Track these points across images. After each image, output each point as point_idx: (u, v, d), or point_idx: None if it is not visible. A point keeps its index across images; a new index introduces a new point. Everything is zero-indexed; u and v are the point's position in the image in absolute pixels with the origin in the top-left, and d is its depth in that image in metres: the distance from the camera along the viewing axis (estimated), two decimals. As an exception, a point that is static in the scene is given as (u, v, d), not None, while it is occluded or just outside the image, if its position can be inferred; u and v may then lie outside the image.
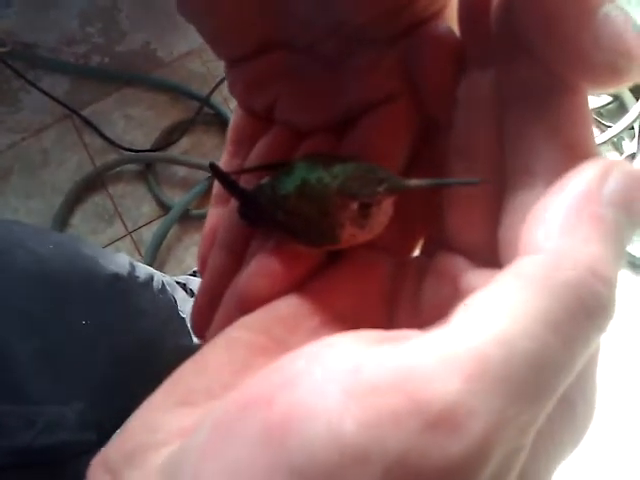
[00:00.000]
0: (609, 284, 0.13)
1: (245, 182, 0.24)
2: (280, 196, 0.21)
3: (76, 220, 1.07)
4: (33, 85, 1.11)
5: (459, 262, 0.19)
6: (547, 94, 0.17)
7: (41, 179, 1.09)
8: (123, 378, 0.62)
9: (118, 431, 0.18)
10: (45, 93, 1.11)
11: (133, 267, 0.68)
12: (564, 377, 0.13)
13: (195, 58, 1.15)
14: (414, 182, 0.19)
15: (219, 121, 1.11)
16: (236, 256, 0.24)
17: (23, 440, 0.49)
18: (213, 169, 0.23)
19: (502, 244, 0.17)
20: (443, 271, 0.20)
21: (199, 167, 1.08)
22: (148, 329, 0.68)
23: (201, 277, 0.25)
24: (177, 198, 1.06)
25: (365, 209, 0.19)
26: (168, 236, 1.05)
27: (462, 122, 0.20)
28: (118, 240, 1.06)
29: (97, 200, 1.08)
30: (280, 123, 0.24)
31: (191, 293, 0.87)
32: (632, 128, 1.05)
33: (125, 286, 0.64)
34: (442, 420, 0.12)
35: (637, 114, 1.02)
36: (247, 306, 0.20)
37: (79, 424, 0.54)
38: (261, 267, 0.21)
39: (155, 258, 1.04)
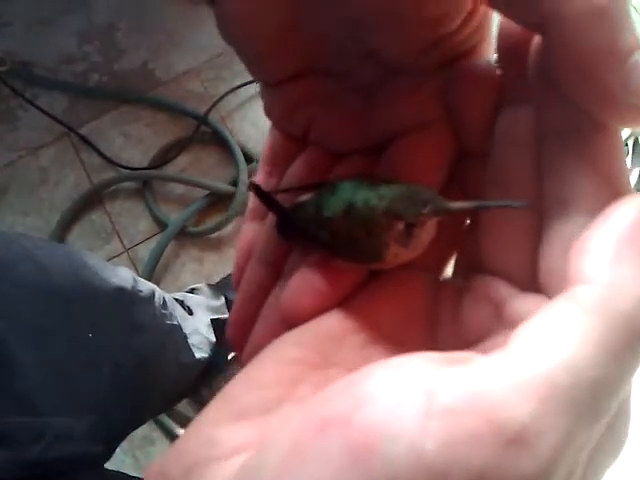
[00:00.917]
0: None
1: (281, 200, 0.24)
2: (325, 216, 0.21)
3: (73, 237, 1.07)
4: (31, 103, 1.12)
5: (498, 285, 0.20)
6: (583, 131, 0.18)
7: (38, 197, 1.09)
8: (127, 391, 0.63)
9: (172, 445, 0.18)
10: (43, 111, 1.11)
11: (136, 281, 0.68)
12: (617, 399, 0.15)
13: (193, 77, 1.16)
14: (458, 205, 0.20)
15: (216, 139, 1.12)
16: (274, 270, 0.24)
17: (33, 453, 0.49)
18: (253, 187, 0.23)
19: (543, 271, 0.18)
20: (482, 292, 0.20)
21: (196, 185, 1.08)
22: (151, 343, 0.68)
23: (236, 290, 0.26)
24: (174, 215, 1.06)
25: (410, 229, 0.20)
26: (165, 253, 1.05)
27: (499, 155, 0.21)
28: (115, 257, 1.05)
29: (94, 217, 1.08)
30: (315, 145, 0.25)
31: (189, 310, 0.87)
32: (626, 145, 1.06)
33: (129, 300, 0.65)
34: (517, 439, 0.13)
35: (631, 131, 1.03)
36: (292, 321, 0.21)
37: (87, 436, 0.55)
38: (305, 282, 0.21)
39: (152, 275, 1.03)
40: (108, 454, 0.60)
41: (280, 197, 0.24)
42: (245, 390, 0.19)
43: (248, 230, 0.27)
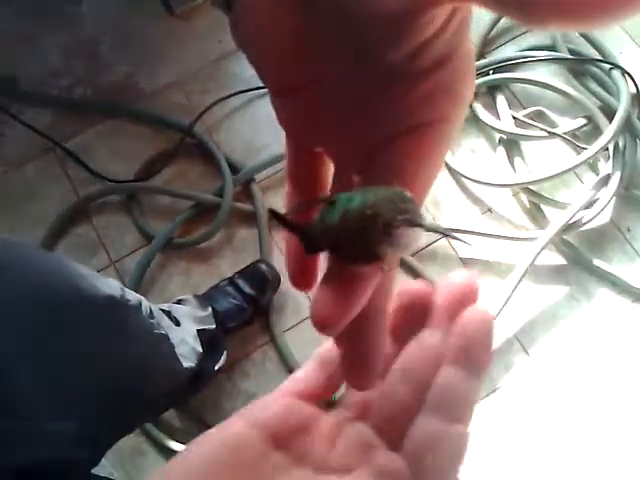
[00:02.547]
0: None
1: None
2: (329, 226, 0.23)
3: (59, 251, 1.07)
4: (16, 118, 1.12)
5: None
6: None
7: (24, 211, 1.09)
8: (116, 397, 0.64)
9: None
10: (28, 126, 1.12)
11: (123, 290, 0.69)
12: None
13: (177, 89, 1.17)
14: (430, 224, 0.22)
15: (202, 151, 1.12)
16: None
17: (24, 456, 0.49)
18: (272, 214, 0.25)
19: None
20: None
21: (182, 196, 1.09)
22: (139, 351, 0.69)
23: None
24: (160, 227, 1.07)
25: (388, 229, 0.22)
26: (152, 265, 1.05)
27: None
28: (102, 270, 1.06)
29: (80, 231, 1.08)
30: (321, 151, 0.27)
31: (175, 321, 0.87)
32: (607, 149, 1.07)
33: (118, 308, 0.66)
34: None
35: (611, 136, 1.05)
36: (324, 331, 0.23)
37: (75, 441, 0.55)
38: (323, 295, 0.23)
39: (139, 288, 1.04)
40: (96, 459, 0.61)
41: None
42: None
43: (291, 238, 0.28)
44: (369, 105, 0.24)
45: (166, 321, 0.85)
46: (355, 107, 0.25)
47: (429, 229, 0.22)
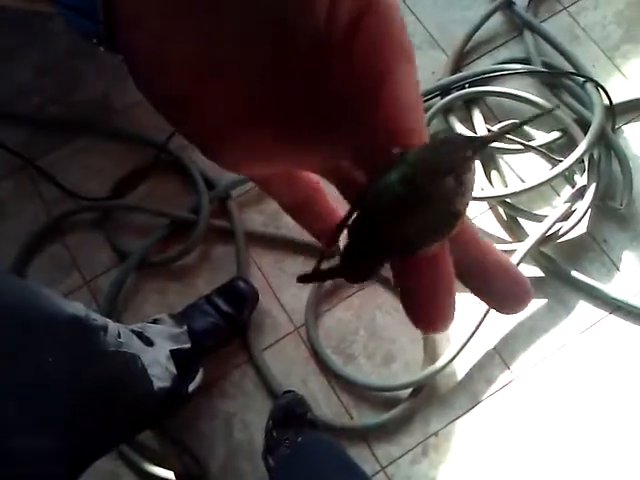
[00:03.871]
0: None
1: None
2: (382, 220, 0.19)
3: (32, 271, 1.05)
4: (-13, 137, 1.10)
5: None
6: None
7: (-3, 230, 1.07)
8: (86, 417, 0.63)
9: None
10: (0, 145, 1.10)
11: (89, 312, 0.69)
12: None
13: (150, 106, 1.16)
14: (491, 134, 0.21)
15: (177, 167, 1.11)
16: None
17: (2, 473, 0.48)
18: (302, 280, 0.22)
19: None
20: None
21: (156, 213, 1.07)
22: (107, 371, 0.69)
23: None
24: (135, 246, 1.05)
25: (459, 177, 0.19)
26: (126, 284, 1.03)
27: None
28: (76, 290, 1.04)
29: (53, 250, 1.06)
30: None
31: (147, 341, 0.86)
32: (582, 162, 1.08)
33: (84, 328, 0.66)
34: None
35: (585, 148, 1.05)
36: (438, 331, 0.21)
37: (48, 458, 0.55)
38: (425, 299, 0.20)
39: (113, 307, 1.02)
40: (71, 475, 0.60)
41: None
42: None
43: None
44: (316, 97, 0.21)
45: (136, 342, 0.84)
46: (304, 102, 0.21)
47: (494, 137, 0.20)
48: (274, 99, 0.20)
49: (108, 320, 0.73)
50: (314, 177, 0.26)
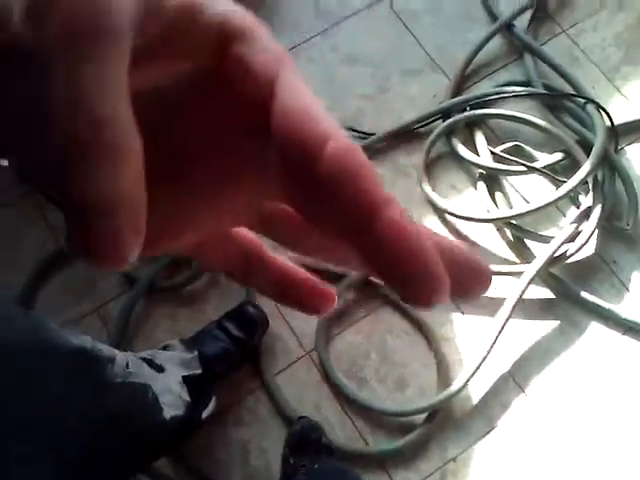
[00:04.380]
0: None
1: None
2: None
3: (42, 297, 1.04)
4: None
5: None
6: None
7: (5, 257, 1.05)
8: (96, 447, 0.63)
9: None
10: (7, 170, 1.09)
11: (95, 343, 0.69)
12: None
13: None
14: None
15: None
16: None
17: None
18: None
19: None
20: None
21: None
22: (114, 402, 0.69)
23: None
24: (144, 271, 1.05)
25: None
26: (137, 310, 1.03)
27: None
28: (86, 317, 1.03)
29: (63, 277, 1.06)
30: None
31: (158, 368, 0.85)
32: (586, 182, 1.09)
33: (90, 359, 0.66)
34: None
35: (589, 169, 1.07)
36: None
37: None
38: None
39: (124, 333, 1.01)
40: None
41: None
42: None
43: None
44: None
45: (147, 370, 0.84)
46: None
47: None
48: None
49: (116, 351, 0.73)
50: (249, 233, 0.23)
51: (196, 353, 0.93)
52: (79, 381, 0.63)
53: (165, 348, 0.95)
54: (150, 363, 0.88)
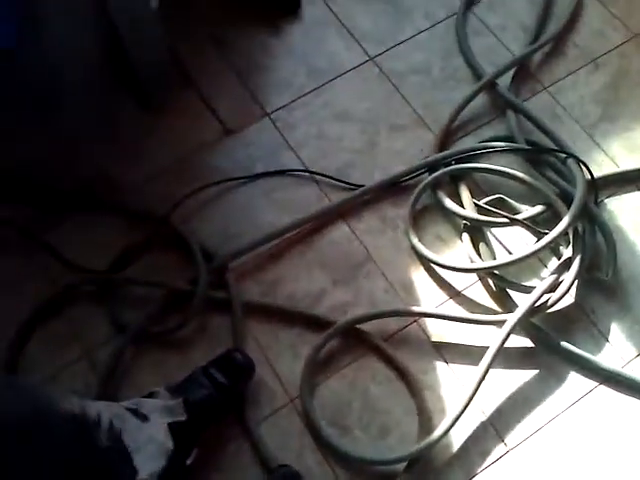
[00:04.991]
0: None
1: None
2: None
3: (32, 344, 1.06)
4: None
5: None
6: None
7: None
8: None
9: None
10: (2, 221, 1.13)
11: (83, 407, 0.69)
12: None
13: (152, 181, 1.20)
14: None
15: (178, 241, 1.14)
16: None
17: None
18: None
19: None
20: None
21: (156, 285, 1.10)
22: (99, 466, 0.69)
23: None
24: (134, 317, 1.07)
25: None
26: (125, 356, 1.05)
27: None
28: (74, 363, 1.05)
29: (53, 323, 1.08)
30: None
31: (142, 417, 0.87)
32: (567, 234, 1.12)
33: (79, 426, 0.66)
34: None
35: (569, 221, 1.10)
36: None
37: None
38: None
39: (111, 379, 1.03)
40: None
41: None
42: None
43: None
44: None
45: (132, 422, 0.85)
46: None
47: None
48: None
49: (101, 406, 0.74)
50: None
51: (181, 400, 0.95)
52: (69, 451, 0.65)
53: (151, 395, 0.96)
54: (135, 412, 0.90)
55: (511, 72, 1.34)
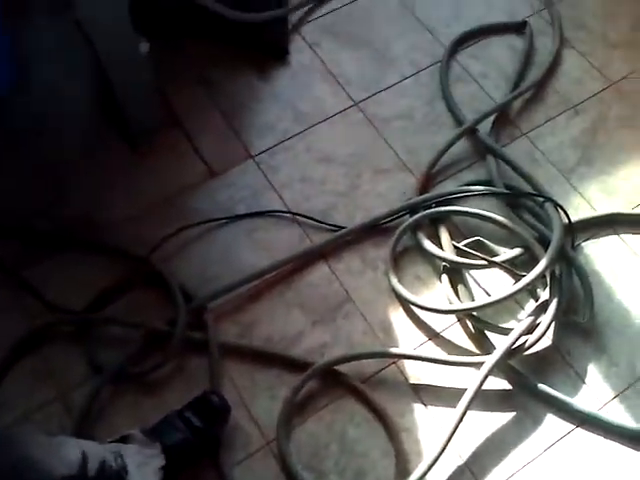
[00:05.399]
0: None
1: None
2: None
3: (7, 384, 1.05)
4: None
5: None
6: None
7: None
8: None
9: None
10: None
11: (85, 461, 0.69)
12: None
13: (134, 221, 1.21)
14: None
15: (158, 281, 1.15)
16: None
17: None
18: None
19: None
20: None
21: (134, 326, 1.10)
22: None
23: None
24: (112, 357, 1.07)
25: None
26: (101, 397, 1.04)
27: None
28: (50, 404, 1.04)
29: (29, 362, 1.07)
30: None
31: (124, 468, 0.87)
32: (544, 277, 1.13)
33: None
34: None
35: (546, 264, 1.11)
36: None
37: None
38: None
39: (86, 421, 1.02)
40: None
41: None
42: None
43: None
44: None
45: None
46: None
47: None
48: None
49: (104, 457, 0.73)
50: None
51: (159, 447, 0.93)
52: None
53: (125, 438, 0.95)
54: (116, 457, 0.88)
55: (492, 118, 1.37)
